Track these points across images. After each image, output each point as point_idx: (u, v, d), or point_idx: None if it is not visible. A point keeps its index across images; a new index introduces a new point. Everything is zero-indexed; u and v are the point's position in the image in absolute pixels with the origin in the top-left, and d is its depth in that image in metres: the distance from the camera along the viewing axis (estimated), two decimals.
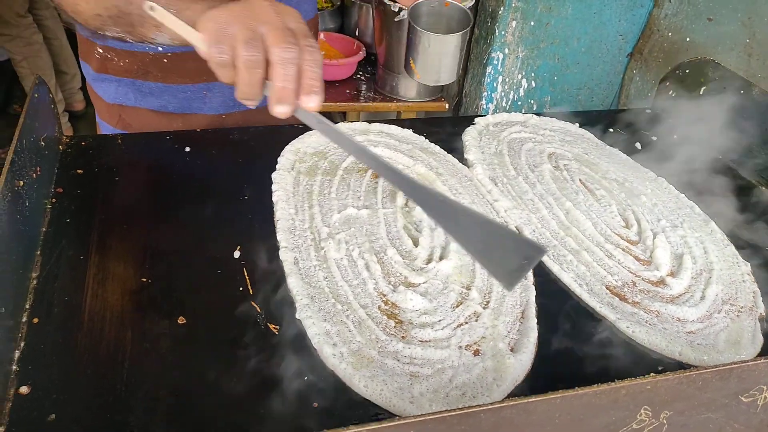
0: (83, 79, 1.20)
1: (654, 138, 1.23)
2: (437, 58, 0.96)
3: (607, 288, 0.85)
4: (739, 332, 0.80)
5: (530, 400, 0.51)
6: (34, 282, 0.75)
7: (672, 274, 0.89)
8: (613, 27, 1.91)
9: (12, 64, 3.00)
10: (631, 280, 0.86)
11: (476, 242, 0.66)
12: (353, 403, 0.67)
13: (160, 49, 1.03)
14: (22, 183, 0.77)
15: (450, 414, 0.49)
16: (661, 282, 0.87)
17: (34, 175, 0.83)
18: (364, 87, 2.13)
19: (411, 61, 0.97)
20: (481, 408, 0.50)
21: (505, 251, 0.64)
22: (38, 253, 0.79)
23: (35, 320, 0.71)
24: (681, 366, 0.75)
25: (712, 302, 0.85)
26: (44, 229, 0.83)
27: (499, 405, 0.51)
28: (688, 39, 1.75)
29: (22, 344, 0.68)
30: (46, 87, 0.92)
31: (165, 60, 1.05)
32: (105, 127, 1.18)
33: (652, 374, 0.57)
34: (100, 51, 1.07)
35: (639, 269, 0.88)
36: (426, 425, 0.49)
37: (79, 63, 1.21)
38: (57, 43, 3.10)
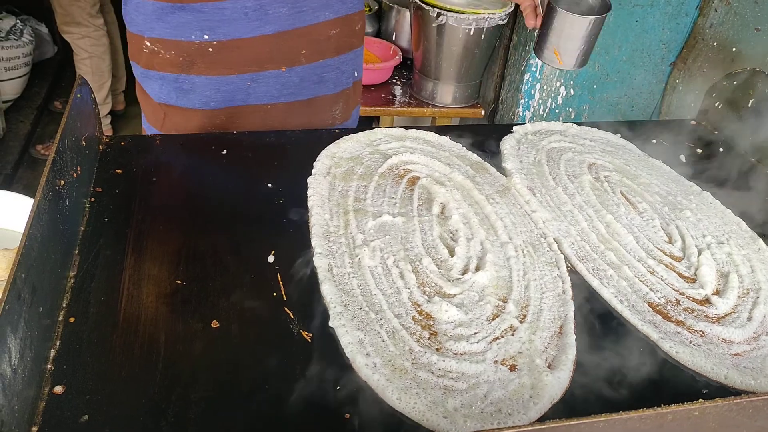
0: (127, 81, 1.20)
1: (699, 150, 1.19)
2: (579, 41, 1.07)
3: (649, 305, 0.82)
4: None
5: (573, 422, 0.49)
6: (71, 281, 0.76)
7: (717, 293, 0.85)
8: (656, 36, 1.87)
9: (74, 60, 3.10)
10: (674, 297, 0.83)
11: None
12: (386, 416, 0.65)
13: (206, 37, 1.02)
14: (62, 182, 0.78)
15: None
16: (706, 301, 0.84)
17: (75, 174, 0.84)
18: (399, 91, 2.12)
19: (554, 48, 1.09)
20: (522, 429, 0.48)
21: None
22: (76, 252, 0.80)
23: (71, 319, 0.71)
24: (726, 390, 0.72)
25: (759, 323, 0.81)
26: (82, 229, 0.84)
27: (540, 426, 0.49)
28: (734, 49, 1.70)
29: (58, 343, 0.68)
30: (88, 87, 0.93)
31: (210, 49, 1.03)
32: (150, 130, 1.17)
33: (700, 400, 0.55)
34: (148, 44, 1.06)
35: (683, 287, 0.85)
36: None
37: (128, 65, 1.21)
38: (113, 48, 3.23)
